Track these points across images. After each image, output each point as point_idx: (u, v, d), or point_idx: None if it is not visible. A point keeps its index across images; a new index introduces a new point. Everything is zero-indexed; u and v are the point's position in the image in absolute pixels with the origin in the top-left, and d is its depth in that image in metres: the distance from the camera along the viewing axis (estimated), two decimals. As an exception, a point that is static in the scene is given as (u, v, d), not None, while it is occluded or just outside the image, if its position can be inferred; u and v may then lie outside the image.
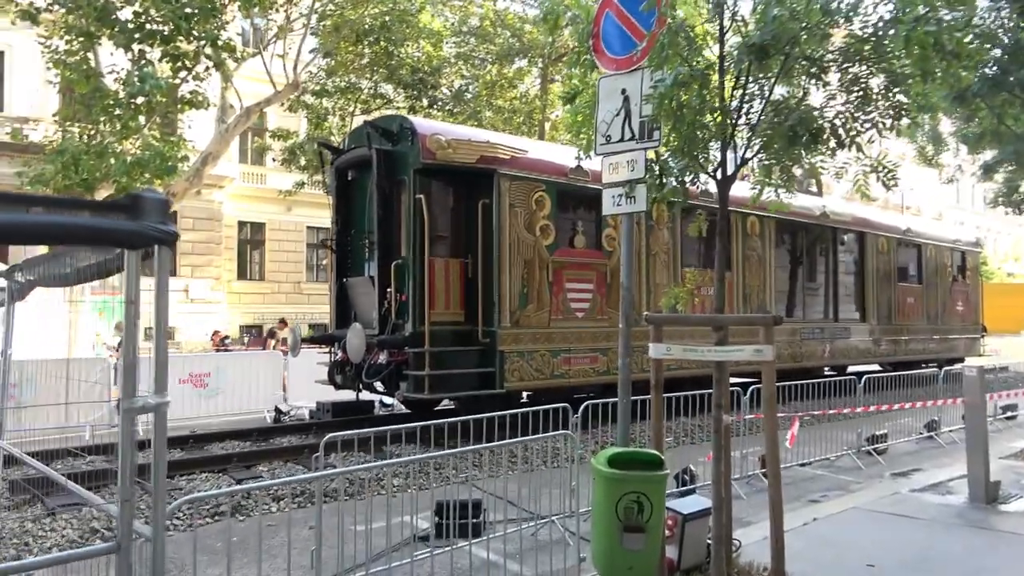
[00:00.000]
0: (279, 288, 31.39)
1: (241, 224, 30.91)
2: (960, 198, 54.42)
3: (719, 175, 5.02)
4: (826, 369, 15.67)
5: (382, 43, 23.41)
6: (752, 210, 13.55)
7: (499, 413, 6.72)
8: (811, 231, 15.21)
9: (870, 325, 16.19)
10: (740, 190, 14.03)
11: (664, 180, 4.93)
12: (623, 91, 5.05)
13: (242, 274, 30.97)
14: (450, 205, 10.16)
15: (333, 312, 11.07)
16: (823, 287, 15.56)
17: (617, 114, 5.06)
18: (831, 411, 10.36)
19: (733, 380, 9.36)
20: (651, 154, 5.07)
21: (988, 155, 16.31)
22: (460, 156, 9.60)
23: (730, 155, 5.06)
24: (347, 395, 11.31)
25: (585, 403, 7.34)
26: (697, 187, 5.32)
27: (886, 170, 5.18)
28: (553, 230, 10.45)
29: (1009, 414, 13.69)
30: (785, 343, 14.00)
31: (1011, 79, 8.90)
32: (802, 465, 9.44)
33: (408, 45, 23.82)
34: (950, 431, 11.68)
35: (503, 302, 9.84)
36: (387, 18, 22.76)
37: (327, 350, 11.12)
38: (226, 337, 27.07)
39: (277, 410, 12.63)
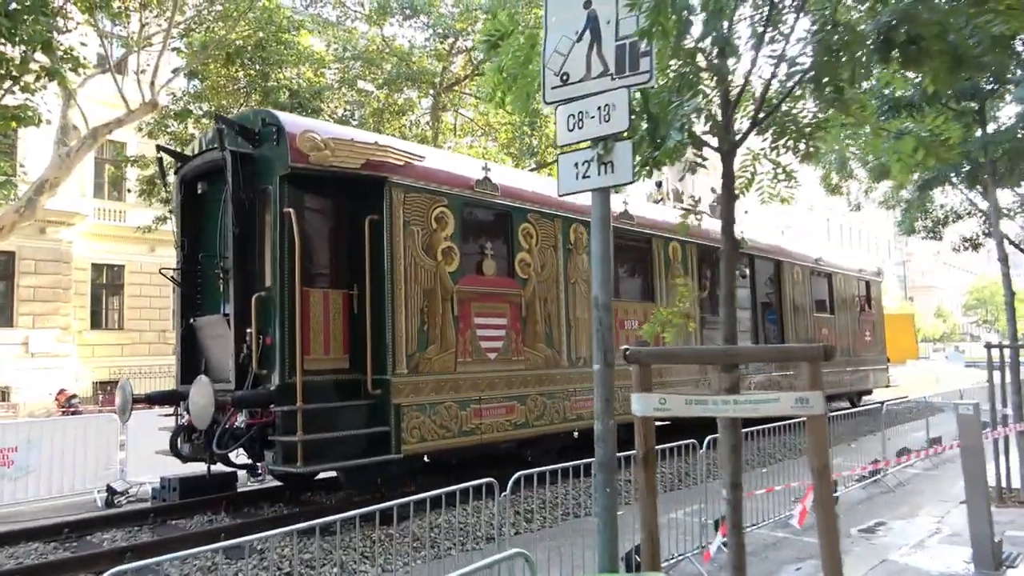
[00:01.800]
0: (140, 337, 27.87)
1: (96, 266, 27.32)
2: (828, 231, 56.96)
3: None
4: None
5: (256, 65, 21.17)
6: (673, 235, 12.25)
7: (400, 501, 4.70)
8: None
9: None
10: (662, 213, 12.71)
11: (662, 132, 3.19)
12: (587, 2, 3.33)
13: (96, 323, 27.33)
14: (329, 222, 8.13)
15: (178, 362, 8.68)
16: (744, 318, 14.44)
17: (578, 39, 3.34)
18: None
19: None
20: (635, 95, 3.34)
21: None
22: (341, 160, 7.63)
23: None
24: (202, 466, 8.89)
25: (517, 474, 5.42)
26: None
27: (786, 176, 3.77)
28: (458, 254, 8.60)
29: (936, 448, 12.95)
30: (694, 382, 12.67)
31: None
32: (753, 526, 7.90)
33: (286, 68, 21.67)
34: (892, 472, 10.64)
35: (398, 343, 7.85)
36: (261, 35, 20.57)
37: (171, 412, 8.70)
38: (73, 396, 23.43)
39: (110, 489, 9.95)
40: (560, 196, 3.72)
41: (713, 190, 16.11)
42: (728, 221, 3.52)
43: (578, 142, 3.46)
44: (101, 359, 26.51)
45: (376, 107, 23.84)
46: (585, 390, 10.08)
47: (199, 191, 8.57)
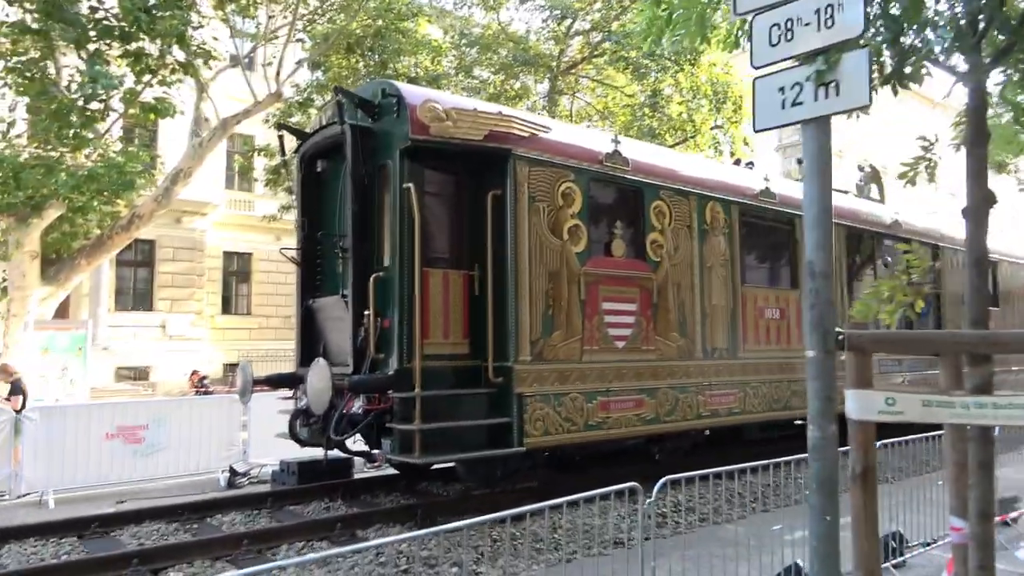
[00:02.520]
0: (267, 323, 28.91)
1: (226, 254, 28.55)
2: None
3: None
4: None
5: (376, 54, 21.27)
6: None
7: (535, 506, 4.11)
8: (885, 243, 12.67)
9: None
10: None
11: (911, 41, 2.37)
12: None
13: (226, 308, 28.60)
14: (449, 198, 7.66)
15: (298, 344, 8.49)
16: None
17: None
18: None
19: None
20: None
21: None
22: (463, 131, 7.12)
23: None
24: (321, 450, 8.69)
25: (664, 478, 4.70)
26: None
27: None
28: (585, 233, 7.92)
29: None
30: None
31: None
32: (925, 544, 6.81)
33: (404, 57, 21.64)
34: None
35: (522, 328, 7.27)
36: (380, 24, 20.59)
37: (291, 395, 8.53)
38: (204, 377, 24.50)
39: (232, 471, 10.00)
40: (757, 131, 2.98)
41: (860, 167, 14.63)
42: (980, 167, 2.65)
43: (785, 59, 2.70)
44: (231, 342, 27.69)
45: (492, 93, 23.47)
46: (721, 384, 9.19)
47: (319, 169, 8.32)
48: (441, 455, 6.73)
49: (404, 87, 7.28)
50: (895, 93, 2.68)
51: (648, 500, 4.37)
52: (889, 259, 12.78)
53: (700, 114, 22.57)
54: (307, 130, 8.73)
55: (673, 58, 21.50)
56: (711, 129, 23.08)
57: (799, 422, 10.96)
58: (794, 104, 2.65)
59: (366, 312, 7.18)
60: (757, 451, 10.65)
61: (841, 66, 2.52)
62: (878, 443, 7.25)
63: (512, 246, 7.28)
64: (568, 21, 23.07)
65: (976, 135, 2.72)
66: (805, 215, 2.63)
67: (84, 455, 9.32)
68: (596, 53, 23.48)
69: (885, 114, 43.57)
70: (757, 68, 2.85)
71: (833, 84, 2.55)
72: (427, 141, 7.01)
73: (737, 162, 12.71)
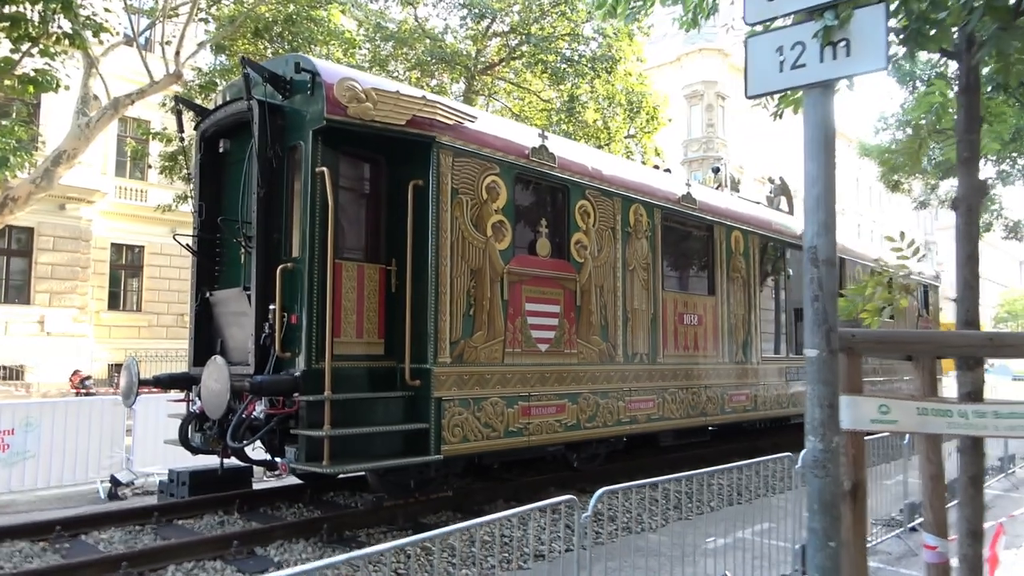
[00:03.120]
0: (158, 320, 27.20)
1: (115, 246, 26.66)
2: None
3: None
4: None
5: (286, 41, 20.33)
6: (737, 223, 11.13)
7: (473, 522, 3.69)
8: (794, 253, 12.95)
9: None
10: (725, 200, 11.59)
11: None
12: None
13: (114, 304, 26.71)
14: (366, 186, 7.12)
15: (192, 341, 7.71)
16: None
17: None
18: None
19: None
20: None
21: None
22: (384, 114, 6.60)
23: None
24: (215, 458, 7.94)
25: (601, 490, 4.35)
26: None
27: None
28: (509, 230, 7.56)
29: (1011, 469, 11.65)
30: (774, 385, 11.55)
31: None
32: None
33: (315, 46, 20.75)
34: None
35: (442, 328, 6.82)
36: (291, 10, 19.69)
37: (182, 396, 7.74)
38: (87, 377, 22.74)
39: (114, 480, 9.05)
40: (749, 97, 2.64)
41: (770, 179, 14.98)
42: (972, 155, 2.43)
43: (786, 15, 2.37)
44: (118, 341, 25.85)
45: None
46: (642, 390, 9.03)
47: (220, 149, 7.59)
48: (352, 464, 6.18)
49: (320, 63, 6.69)
50: (911, 56, 2.44)
51: (585, 515, 4.02)
52: (790, 271, 13.09)
53: (615, 121, 22.74)
54: (209, 107, 7.98)
55: (590, 64, 21.58)
56: (624, 138, 23.31)
57: (712, 428, 10.99)
58: (795, 67, 2.33)
59: (271, 307, 6.55)
60: (672, 458, 10.63)
61: (853, 22, 2.23)
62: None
63: (434, 240, 6.82)
64: (487, 21, 22.77)
65: (968, 120, 2.52)
66: (805, 196, 2.33)
67: (-66, 464, 8.21)
68: (514, 55, 23.29)
69: (783, 126, 45.44)
70: (751, 24, 2.55)
71: (843, 43, 2.25)
72: (344, 123, 6.47)
73: (655, 168, 12.69)
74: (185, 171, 21.05)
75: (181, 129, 7.77)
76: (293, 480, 9.16)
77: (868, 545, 7.03)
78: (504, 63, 24.19)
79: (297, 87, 6.75)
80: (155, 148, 23.61)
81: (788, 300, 13.33)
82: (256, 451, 7.16)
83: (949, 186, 15.34)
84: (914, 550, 7.49)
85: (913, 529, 7.95)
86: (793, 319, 13.64)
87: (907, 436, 8.04)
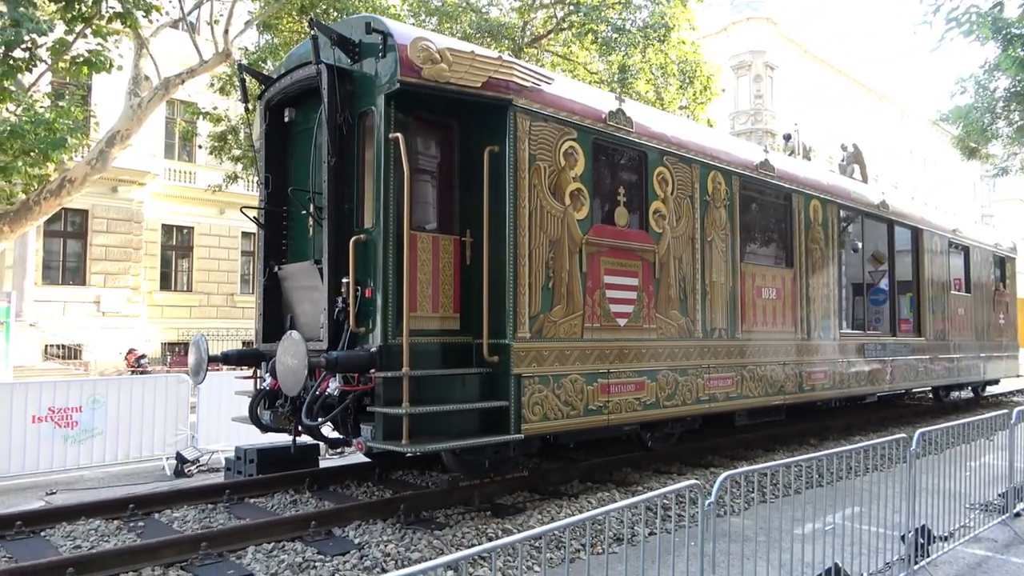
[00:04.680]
0: (208, 300, 27.49)
1: (166, 228, 27.00)
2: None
3: None
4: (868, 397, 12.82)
5: (331, 17, 20.09)
6: (816, 191, 10.56)
7: (592, 513, 3.35)
8: (868, 223, 12.32)
9: (926, 341, 13.35)
10: (802, 168, 11.02)
11: None
12: None
13: (166, 284, 27.08)
14: (440, 153, 6.78)
15: (259, 317, 7.50)
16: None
17: None
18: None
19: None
20: None
21: None
22: (459, 76, 6.24)
23: None
24: (280, 436, 7.78)
25: (724, 475, 3.97)
26: None
27: None
28: (588, 199, 7.16)
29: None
30: (852, 363, 11.01)
31: None
32: (944, 539, 6.33)
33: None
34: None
35: (520, 301, 6.48)
36: (338, -13, 19.39)
37: (250, 374, 7.56)
38: (142, 356, 23.08)
39: (179, 457, 8.97)
40: None
41: (843, 147, 14.28)
42: None
43: None
44: (170, 320, 26.22)
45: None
46: (720, 367, 8.61)
47: (286, 119, 7.32)
48: (431, 443, 5.90)
49: (392, 23, 6.33)
50: None
51: (709, 502, 3.66)
52: (858, 244, 12.46)
53: (668, 92, 22.07)
54: (272, 75, 7.70)
55: (643, 33, 20.91)
56: (678, 109, 22.62)
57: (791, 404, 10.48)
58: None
59: (344, 280, 6.28)
60: (744, 438, 10.20)
61: None
62: (925, 429, 6.64)
63: (512, 210, 6.46)
64: (533, -8, 22.22)
65: None
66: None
67: (6, 440, 8.19)
68: (562, 26, 22.70)
69: (835, 95, 43.81)
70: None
71: None
72: (418, 85, 6.12)
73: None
74: (234, 150, 21.05)
75: (246, 99, 7.51)
76: (358, 457, 8.99)
77: (971, 533, 6.59)
78: (552, 34, 23.62)
79: (367, 50, 6.42)
80: (203, 129, 23.69)
81: (864, 274, 12.72)
82: (325, 429, 6.95)
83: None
84: (1022, 537, 7.00)
85: (1018, 515, 7.44)
86: (866, 294, 13.04)
87: (1016, 411, 7.48)
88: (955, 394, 17.02)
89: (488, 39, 22.51)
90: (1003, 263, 17.38)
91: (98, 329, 23.89)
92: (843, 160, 13.40)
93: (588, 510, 6.64)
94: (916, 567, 5.52)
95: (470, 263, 6.63)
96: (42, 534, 5.92)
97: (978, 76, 15.17)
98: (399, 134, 6.05)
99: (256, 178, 8.57)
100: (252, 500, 7.07)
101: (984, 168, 16.25)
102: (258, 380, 7.35)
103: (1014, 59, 8.02)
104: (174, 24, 18.39)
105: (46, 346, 22.76)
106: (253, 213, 7.38)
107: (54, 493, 7.90)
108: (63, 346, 23.01)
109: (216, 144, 20.89)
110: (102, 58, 14.73)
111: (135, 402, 9.00)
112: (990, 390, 18.53)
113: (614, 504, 3.67)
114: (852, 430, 12.12)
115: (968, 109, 15.45)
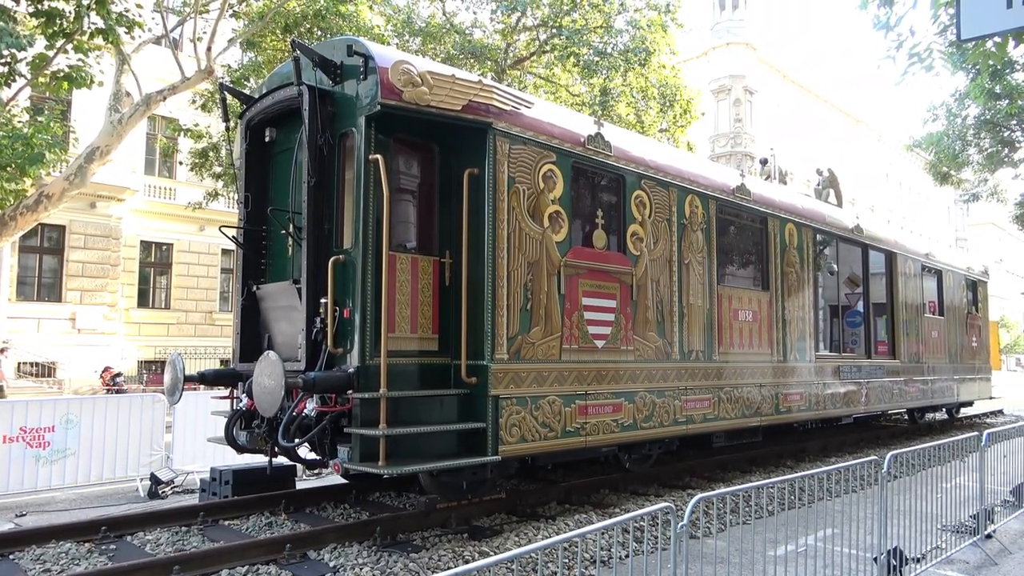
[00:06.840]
0: (187, 318, 27.21)
1: (144, 244, 26.73)
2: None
3: None
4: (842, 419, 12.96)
5: (315, 36, 20.18)
6: (791, 215, 10.73)
7: (560, 538, 3.37)
8: (843, 247, 12.52)
9: (901, 363, 13.53)
10: (778, 192, 11.20)
11: None
12: None
13: (143, 301, 26.77)
14: (419, 175, 6.83)
15: (237, 336, 7.46)
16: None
17: None
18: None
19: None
20: None
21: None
22: (439, 99, 6.31)
23: None
24: (257, 457, 7.72)
25: (696, 497, 4.01)
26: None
27: None
28: (566, 221, 7.24)
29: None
30: (828, 384, 11.13)
31: None
32: (917, 560, 6.40)
33: (345, 41, 20.50)
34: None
35: (499, 322, 6.52)
36: (320, 5, 19.53)
37: (227, 394, 7.51)
38: (118, 374, 22.75)
39: (154, 478, 8.86)
40: (962, 41, 2.31)
41: (819, 171, 14.53)
42: None
43: None
44: (147, 338, 25.92)
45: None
46: (698, 388, 8.68)
47: (267, 138, 7.35)
48: (409, 464, 5.89)
49: (373, 45, 6.41)
50: None
51: (682, 524, 3.69)
52: (834, 267, 12.65)
53: (648, 115, 22.35)
54: (254, 95, 7.73)
55: (624, 57, 21.20)
56: (658, 132, 22.91)
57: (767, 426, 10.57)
58: (1028, 0, 1.99)
59: (322, 300, 6.29)
60: (721, 459, 10.26)
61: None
62: (897, 451, 6.71)
63: (490, 232, 6.52)
64: (517, 15, 22.46)
65: None
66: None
67: (-25, 461, 8.06)
68: (545, 48, 22.96)
69: (814, 120, 44.50)
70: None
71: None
72: (398, 108, 6.18)
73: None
74: (215, 167, 20.99)
75: (227, 118, 7.52)
76: (336, 479, 8.92)
77: (943, 554, 6.67)
78: (535, 57, 23.87)
79: (348, 72, 6.48)
80: (184, 146, 23.62)
81: (839, 296, 12.90)
82: (302, 450, 6.91)
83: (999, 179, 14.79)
84: (993, 559, 7.08)
85: (989, 536, 7.53)
86: (842, 316, 13.21)
87: (986, 434, 7.60)
88: (930, 416, 17.25)
89: (471, 61, 22.70)
90: (975, 286, 17.70)
91: (73, 346, 23.56)
92: (819, 184, 13.64)
93: (565, 532, 6.65)
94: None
95: (449, 284, 6.66)
96: (11, 557, 5.82)
97: (949, 104, 15.56)
98: (379, 155, 6.10)
99: (236, 196, 8.56)
100: (227, 522, 6.99)
101: (957, 193, 16.60)
102: (235, 400, 7.30)
103: (982, 88, 8.25)
104: (156, 40, 18.40)
105: (19, 364, 22.39)
106: (232, 232, 7.37)
107: (24, 515, 7.77)
108: (37, 364, 22.65)
109: (197, 161, 20.83)
110: (83, 74, 14.67)
111: (109, 422, 8.89)
112: (964, 412, 18.79)
113: (590, 526, 3.70)
114: (828, 451, 12.23)
115: (940, 136, 15.84)
